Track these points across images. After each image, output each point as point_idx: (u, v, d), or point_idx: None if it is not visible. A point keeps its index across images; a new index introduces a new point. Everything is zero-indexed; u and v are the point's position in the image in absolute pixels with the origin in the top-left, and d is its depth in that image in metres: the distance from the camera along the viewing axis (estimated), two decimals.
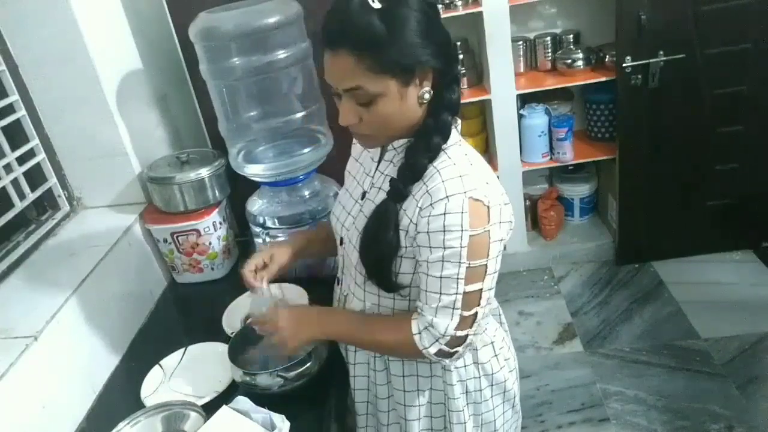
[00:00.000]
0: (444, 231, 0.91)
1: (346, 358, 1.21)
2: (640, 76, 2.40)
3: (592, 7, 2.72)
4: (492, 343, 1.13)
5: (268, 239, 1.58)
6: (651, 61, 2.37)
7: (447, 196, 0.91)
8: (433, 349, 0.98)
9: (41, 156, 1.57)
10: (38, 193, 1.55)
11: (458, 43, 2.70)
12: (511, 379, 1.18)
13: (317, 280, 1.45)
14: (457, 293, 0.94)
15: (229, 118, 1.62)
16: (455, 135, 1.00)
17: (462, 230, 0.90)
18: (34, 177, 1.56)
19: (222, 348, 1.26)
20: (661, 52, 2.35)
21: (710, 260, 2.77)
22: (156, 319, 1.57)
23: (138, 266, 1.60)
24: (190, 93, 1.76)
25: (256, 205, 1.61)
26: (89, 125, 1.59)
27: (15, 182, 1.48)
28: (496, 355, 1.14)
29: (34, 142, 1.55)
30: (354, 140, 1.19)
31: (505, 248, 0.99)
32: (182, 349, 1.36)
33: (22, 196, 1.49)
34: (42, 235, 1.53)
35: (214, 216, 1.62)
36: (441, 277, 0.94)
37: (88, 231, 1.58)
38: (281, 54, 1.50)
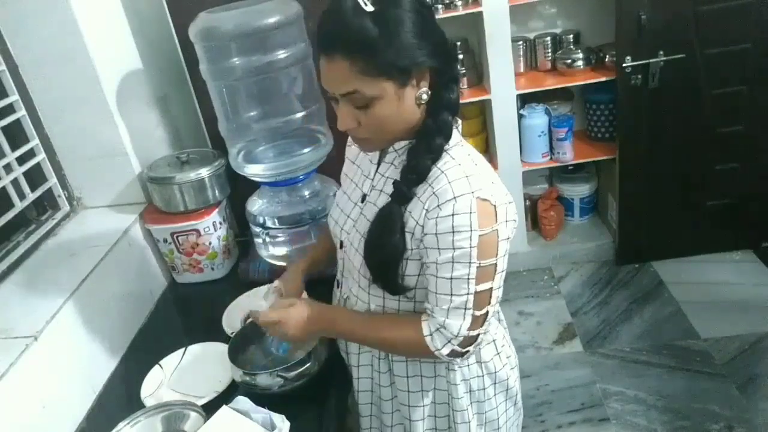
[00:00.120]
0: (453, 232, 0.91)
1: (348, 360, 1.21)
2: (640, 76, 2.40)
3: (592, 7, 2.72)
4: (494, 341, 1.13)
5: (268, 239, 1.58)
6: (651, 61, 2.37)
7: (455, 197, 0.91)
8: (445, 350, 0.98)
9: (41, 156, 1.57)
10: (38, 193, 1.55)
11: (458, 43, 2.70)
12: (513, 377, 1.18)
13: (317, 280, 1.45)
14: (468, 293, 0.94)
15: (229, 118, 1.61)
16: (456, 135, 0.99)
17: (471, 230, 0.91)
18: (34, 177, 1.56)
19: (222, 348, 1.26)
20: (661, 52, 2.35)
21: (710, 260, 2.77)
22: (156, 319, 1.57)
23: (138, 266, 1.60)
24: (190, 93, 1.76)
25: (256, 205, 1.61)
26: (89, 125, 1.59)
27: (15, 182, 1.48)
28: (498, 353, 1.14)
29: (34, 142, 1.55)
30: (348, 143, 1.19)
31: None
32: (182, 349, 1.36)
33: (22, 196, 1.49)
34: (42, 235, 1.53)
35: (214, 216, 1.62)
36: (451, 278, 0.94)
37: (88, 231, 1.58)
38: (281, 54, 1.50)
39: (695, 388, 2.16)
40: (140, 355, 1.42)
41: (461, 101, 2.65)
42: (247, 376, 1.15)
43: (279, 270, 1.49)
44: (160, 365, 1.33)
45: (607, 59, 2.60)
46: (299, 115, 1.59)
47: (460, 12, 2.50)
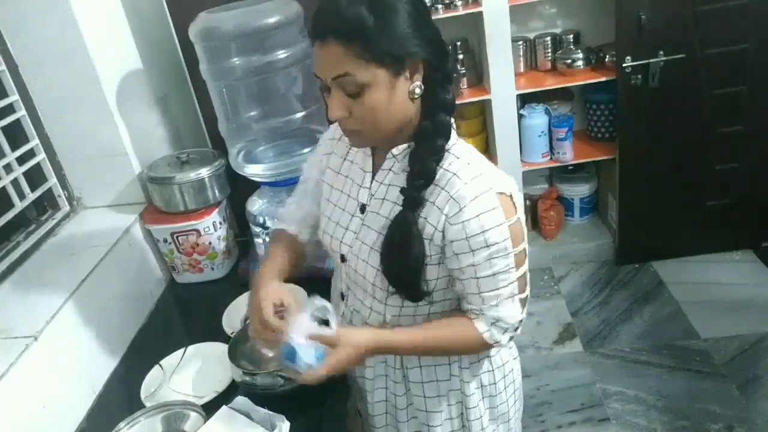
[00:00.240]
0: (483, 231, 0.92)
1: (362, 372, 1.18)
2: (640, 76, 2.40)
3: (592, 7, 2.72)
4: None
5: (268, 239, 1.58)
6: (651, 61, 2.37)
7: (476, 197, 0.92)
8: (505, 338, 1.02)
9: (41, 156, 1.57)
10: (38, 193, 1.55)
11: (458, 43, 2.70)
12: (516, 368, 1.21)
13: (317, 280, 1.45)
14: (511, 282, 0.97)
15: (229, 118, 1.62)
16: (453, 134, 0.99)
17: (500, 224, 0.93)
18: (34, 177, 1.56)
19: (222, 348, 1.26)
20: (661, 52, 2.35)
21: (710, 260, 2.77)
22: (156, 319, 1.57)
23: (138, 266, 1.60)
24: (190, 93, 1.76)
25: (256, 205, 1.61)
26: (89, 125, 1.59)
27: (15, 182, 1.48)
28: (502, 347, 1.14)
29: (34, 142, 1.55)
30: (325, 151, 1.16)
31: None
32: (182, 349, 1.36)
33: (22, 196, 1.49)
34: (42, 235, 1.53)
35: (214, 216, 1.62)
36: (494, 274, 0.96)
37: (88, 231, 1.58)
38: (281, 54, 1.50)
39: (695, 388, 2.16)
40: (140, 355, 1.42)
41: (461, 101, 2.68)
42: (247, 376, 1.15)
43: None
44: (160, 365, 1.33)
45: (607, 59, 2.60)
46: (299, 115, 1.59)
47: (460, 12, 2.50)
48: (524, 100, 2.79)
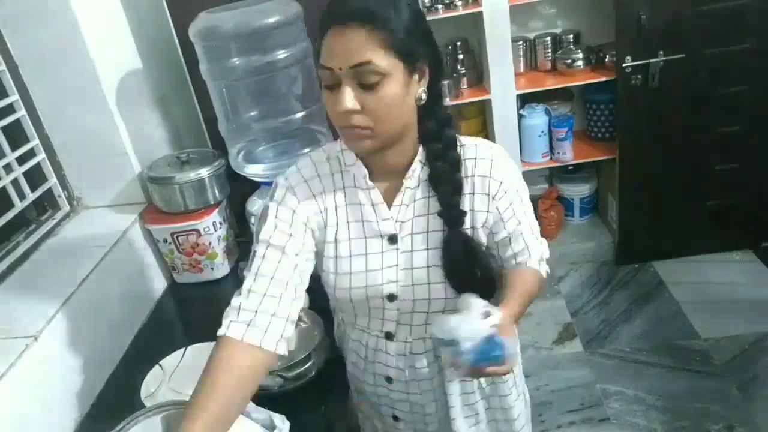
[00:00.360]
0: (509, 175, 1.01)
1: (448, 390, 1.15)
2: (640, 76, 2.40)
3: (592, 7, 2.72)
4: None
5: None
6: (651, 61, 2.37)
7: (491, 158, 1.00)
8: (547, 269, 1.10)
9: (41, 156, 1.57)
10: (38, 193, 1.55)
11: (458, 43, 2.70)
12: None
13: (317, 279, 1.45)
14: (534, 219, 1.07)
15: (229, 118, 1.62)
16: None
17: (515, 170, 1.03)
18: (34, 177, 1.56)
19: None
20: (661, 52, 2.35)
21: (710, 260, 2.77)
22: (156, 319, 1.57)
23: (138, 266, 1.60)
24: (190, 93, 1.76)
25: (256, 205, 1.61)
26: (89, 125, 1.59)
27: (15, 182, 1.48)
28: None
29: (34, 142, 1.55)
30: (294, 203, 0.99)
31: None
32: (182, 349, 1.36)
33: (22, 196, 1.49)
34: (42, 235, 1.53)
35: (214, 216, 1.62)
36: (525, 213, 1.03)
37: (88, 231, 1.58)
38: (281, 54, 1.50)
39: (695, 388, 2.16)
40: (140, 355, 1.42)
41: (461, 101, 2.68)
42: None
43: None
44: (160, 365, 1.32)
45: (607, 59, 2.60)
46: (299, 115, 1.59)
47: (460, 12, 2.50)
48: (524, 100, 2.79)
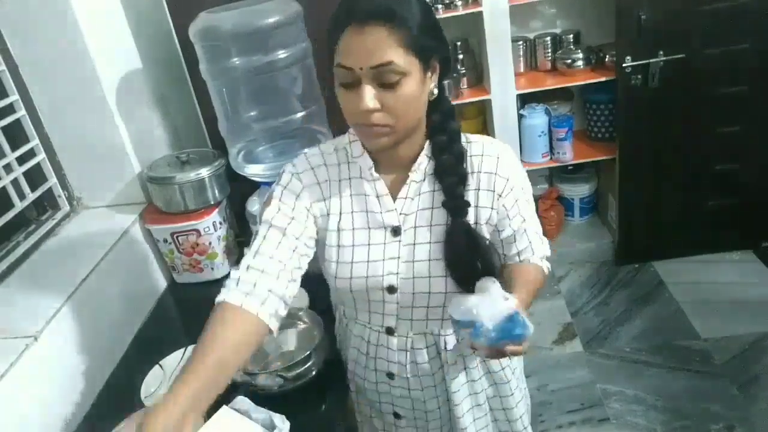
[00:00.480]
0: (516, 173, 1.02)
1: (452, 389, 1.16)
2: (640, 76, 2.40)
3: (592, 7, 2.72)
4: None
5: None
6: (651, 61, 2.36)
7: (498, 156, 1.00)
8: (549, 265, 1.11)
9: (41, 156, 1.57)
10: (38, 193, 1.55)
11: (458, 43, 2.70)
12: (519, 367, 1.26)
13: (317, 279, 1.45)
14: (537, 219, 1.08)
15: (229, 118, 1.62)
16: None
17: (521, 170, 1.04)
18: (34, 177, 1.56)
19: None
20: (661, 52, 2.35)
21: (710, 260, 2.76)
22: (156, 319, 1.57)
23: (138, 266, 1.60)
24: (190, 93, 1.76)
25: (256, 205, 1.61)
26: (89, 125, 1.59)
27: (15, 182, 1.48)
28: None
29: (34, 142, 1.55)
30: (298, 188, 1.01)
31: None
32: (182, 349, 1.36)
33: (22, 196, 1.49)
34: (42, 235, 1.53)
35: (214, 216, 1.62)
36: (530, 211, 1.04)
37: (88, 231, 1.58)
38: (281, 54, 1.50)
39: (695, 388, 2.16)
40: (140, 355, 1.42)
41: (461, 101, 2.68)
42: (247, 376, 1.15)
43: None
44: (160, 365, 1.32)
45: (607, 59, 2.59)
46: (299, 115, 1.59)
47: (460, 12, 2.50)
48: (524, 100, 2.78)
